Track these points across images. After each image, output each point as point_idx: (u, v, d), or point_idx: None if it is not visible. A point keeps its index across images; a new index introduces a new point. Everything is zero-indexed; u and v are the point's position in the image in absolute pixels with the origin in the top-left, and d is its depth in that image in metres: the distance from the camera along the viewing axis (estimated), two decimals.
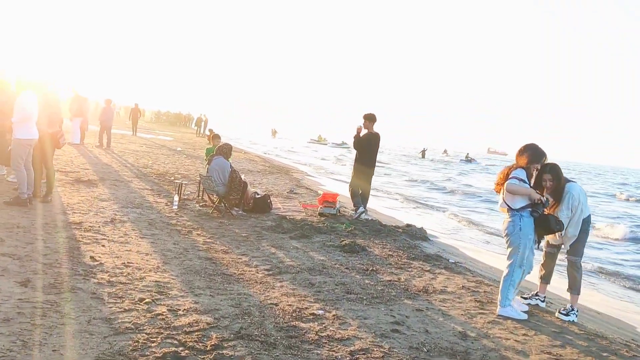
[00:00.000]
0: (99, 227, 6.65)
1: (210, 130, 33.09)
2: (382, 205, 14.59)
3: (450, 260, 6.93)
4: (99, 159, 14.46)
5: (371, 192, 10.02)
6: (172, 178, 12.51)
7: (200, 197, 9.86)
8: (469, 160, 69.77)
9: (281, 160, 29.08)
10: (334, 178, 22.78)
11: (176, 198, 8.76)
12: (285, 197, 11.40)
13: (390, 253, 6.85)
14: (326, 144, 72.06)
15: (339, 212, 9.25)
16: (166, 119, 63.25)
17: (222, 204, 8.51)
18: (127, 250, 5.74)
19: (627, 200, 32.00)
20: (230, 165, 8.69)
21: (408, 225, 9.33)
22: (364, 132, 9.47)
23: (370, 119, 9.33)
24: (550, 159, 5.00)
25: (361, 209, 9.15)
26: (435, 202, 18.56)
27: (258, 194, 9.18)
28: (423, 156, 70.84)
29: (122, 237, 6.33)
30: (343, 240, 7.06)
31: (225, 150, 8.69)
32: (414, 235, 8.52)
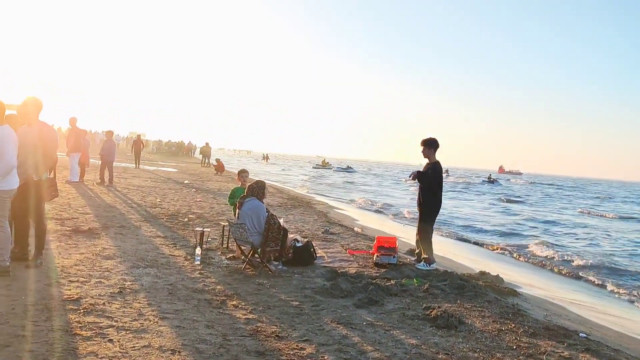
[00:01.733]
0: (104, 304, 4.92)
1: (218, 160, 31.57)
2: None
3: (580, 335, 5.16)
4: (101, 198, 12.76)
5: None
6: (186, 219, 10.80)
7: (225, 246, 8.14)
8: (491, 181, 68.02)
9: (275, 184, 27.41)
10: (360, 208, 21.11)
11: (198, 251, 7.04)
12: (322, 240, 9.64)
13: (498, 326, 5.08)
14: (331, 168, 70.57)
15: (399, 261, 7.50)
16: (168, 148, 61.85)
17: (257, 257, 6.79)
18: (144, 347, 4.00)
19: None
20: (267, 209, 6.98)
21: (482, 274, 7.59)
22: (419, 163, 7.85)
23: (431, 145, 7.69)
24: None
25: (433, 266, 7.43)
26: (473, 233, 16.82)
27: (299, 242, 7.46)
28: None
29: (135, 319, 4.59)
30: (429, 309, 5.31)
31: (258, 190, 7.00)
32: (500, 290, 6.78)
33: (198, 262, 6.94)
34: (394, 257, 7.32)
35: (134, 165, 27.71)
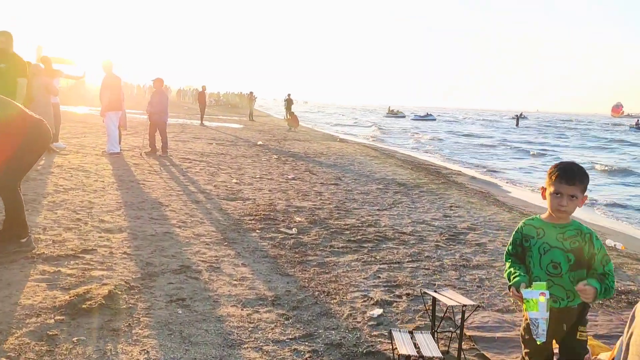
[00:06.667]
0: None
1: (292, 114, 26.49)
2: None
3: None
4: (149, 185, 8.03)
5: None
6: (293, 229, 5.89)
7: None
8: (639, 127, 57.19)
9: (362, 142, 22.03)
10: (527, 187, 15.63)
11: None
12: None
13: None
14: (404, 117, 64.07)
15: None
16: (226, 100, 57.44)
17: None
18: None
19: None
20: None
21: None
22: None
23: None
24: None
25: None
26: None
27: None
28: (517, 124, 61.57)
29: None
30: None
31: None
32: None
33: None
34: None
35: (199, 122, 23.62)
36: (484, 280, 4.55)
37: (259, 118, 36.17)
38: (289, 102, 27.62)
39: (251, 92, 34.65)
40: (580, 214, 9.86)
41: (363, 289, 4.26)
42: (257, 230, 5.83)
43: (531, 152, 25.67)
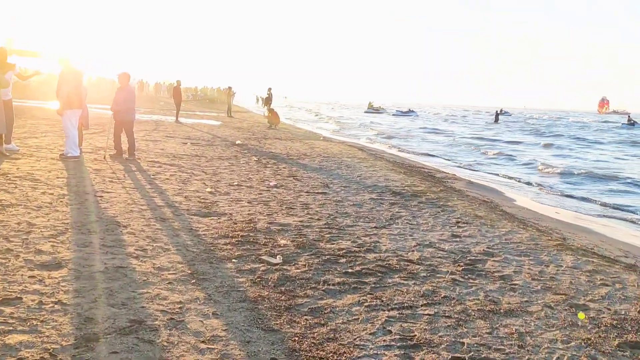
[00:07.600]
0: None
1: (272, 110, 25.29)
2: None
3: None
4: (105, 199, 6.88)
5: None
6: (277, 259, 4.89)
7: None
8: (632, 123, 56.14)
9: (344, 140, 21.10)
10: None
11: None
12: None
13: None
14: (383, 112, 63.19)
15: None
16: (204, 95, 55.84)
17: None
18: None
19: None
20: None
21: None
22: None
23: None
24: None
25: None
26: None
27: None
28: (496, 120, 61.27)
29: None
30: None
31: None
32: None
33: None
34: None
35: (174, 119, 22.45)
36: (524, 335, 3.58)
37: (238, 114, 34.94)
38: (268, 98, 26.40)
39: (229, 87, 33.54)
40: (581, 218, 9.03)
41: (372, 351, 3.26)
42: (234, 260, 4.79)
43: (481, 150, 24.79)
